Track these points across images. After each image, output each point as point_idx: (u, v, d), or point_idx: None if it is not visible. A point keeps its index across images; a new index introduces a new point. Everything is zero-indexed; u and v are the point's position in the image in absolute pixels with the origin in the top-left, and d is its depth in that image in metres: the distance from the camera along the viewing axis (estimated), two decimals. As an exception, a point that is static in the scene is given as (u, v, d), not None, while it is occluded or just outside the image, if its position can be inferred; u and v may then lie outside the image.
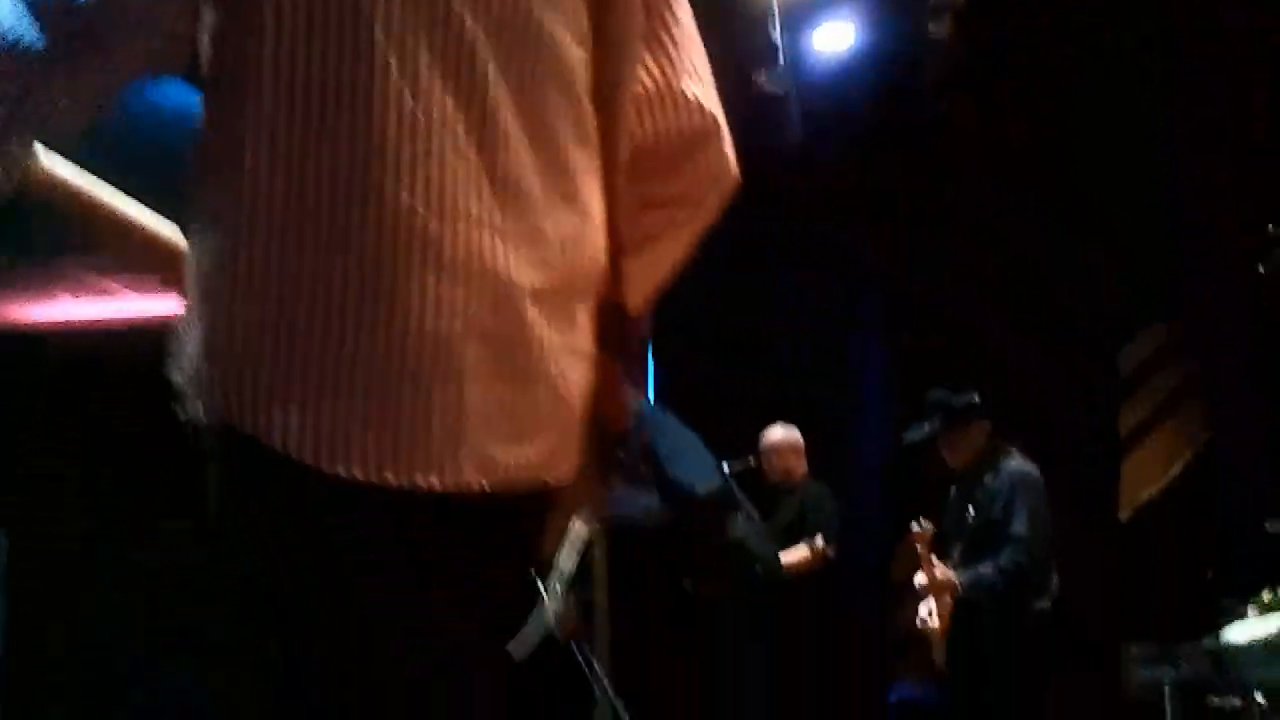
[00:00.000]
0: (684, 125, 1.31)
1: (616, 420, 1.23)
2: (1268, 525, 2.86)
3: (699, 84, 1.33)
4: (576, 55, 1.18)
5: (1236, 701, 3.43)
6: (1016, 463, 4.85)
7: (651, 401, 5.51)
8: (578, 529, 1.32)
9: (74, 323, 7.00)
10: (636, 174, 1.28)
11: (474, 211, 1.07)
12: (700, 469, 3.58)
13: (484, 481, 1.06)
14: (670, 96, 1.29)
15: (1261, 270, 3.51)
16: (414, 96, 1.06)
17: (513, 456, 1.09)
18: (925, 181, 7.49)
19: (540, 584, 1.26)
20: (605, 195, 1.22)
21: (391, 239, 1.04)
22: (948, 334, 7.32)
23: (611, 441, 1.23)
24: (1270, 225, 3.52)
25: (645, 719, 3.12)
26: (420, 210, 1.05)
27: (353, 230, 1.04)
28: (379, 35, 1.05)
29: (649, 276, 1.35)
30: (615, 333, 1.23)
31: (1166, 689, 3.68)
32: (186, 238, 1.18)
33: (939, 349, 7.02)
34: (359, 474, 1.03)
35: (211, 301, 1.09)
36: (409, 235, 1.05)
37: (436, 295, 1.05)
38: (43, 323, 7.17)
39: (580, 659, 2.92)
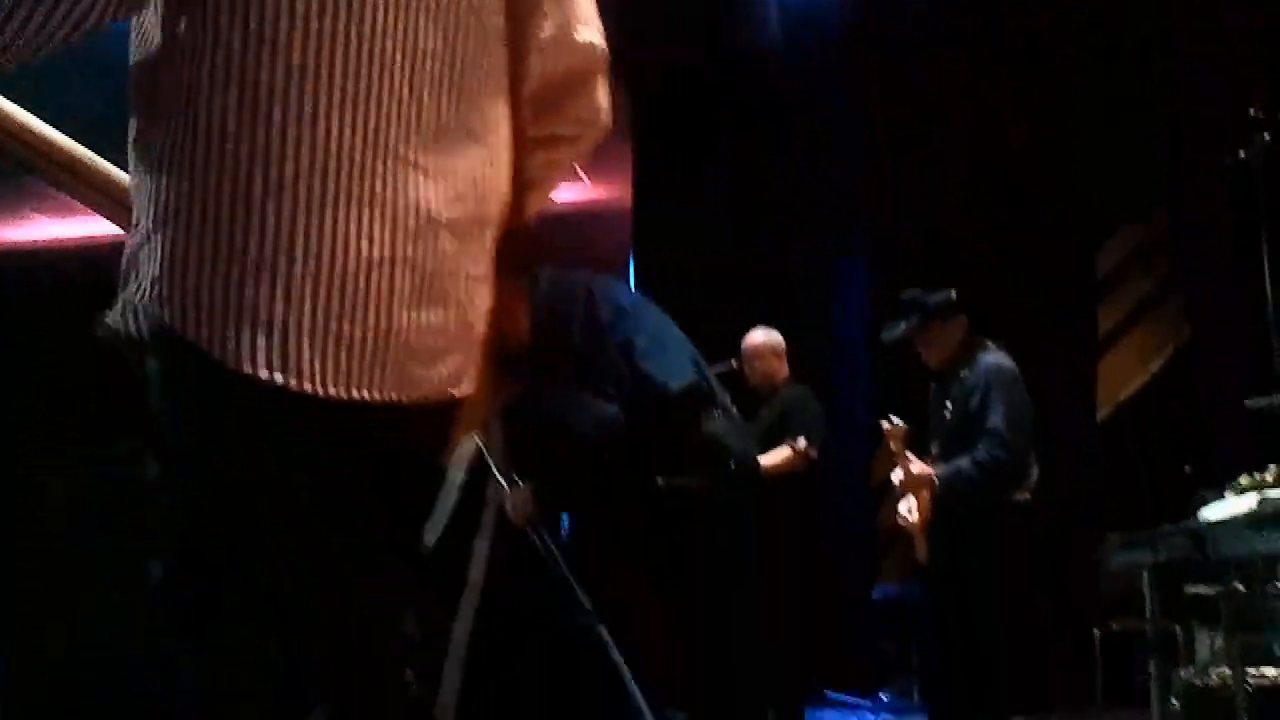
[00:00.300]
0: (574, 65, 1.46)
1: (515, 336, 1.38)
2: (1248, 402, 2.84)
3: (590, 28, 1.46)
4: (496, 7, 1.32)
5: (1212, 590, 3.48)
6: (992, 356, 4.84)
7: (634, 291, 5.49)
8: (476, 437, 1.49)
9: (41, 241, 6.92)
10: (533, 114, 1.42)
11: (402, 151, 1.20)
12: (678, 365, 3.56)
13: (407, 396, 1.23)
14: (566, 42, 1.44)
15: (1242, 156, 3.46)
16: (359, 40, 1.17)
17: (430, 375, 1.25)
18: (904, 82, 7.42)
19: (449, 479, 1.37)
20: (511, 136, 1.36)
21: (336, 174, 1.16)
22: (927, 235, 7.31)
23: (511, 356, 1.38)
24: (1251, 109, 3.47)
25: (620, 620, 3.13)
26: (359, 148, 1.17)
27: (301, 166, 1.15)
28: None
29: (537, 206, 1.51)
30: (515, 258, 1.38)
31: (1145, 574, 3.70)
32: (137, 166, 1.26)
33: (919, 250, 7.01)
34: (307, 387, 1.17)
35: (165, 226, 1.18)
36: (349, 171, 1.17)
37: (370, 228, 1.18)
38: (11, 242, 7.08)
39: (539, 543, 2.94)
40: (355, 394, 1.19)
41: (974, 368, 4.80)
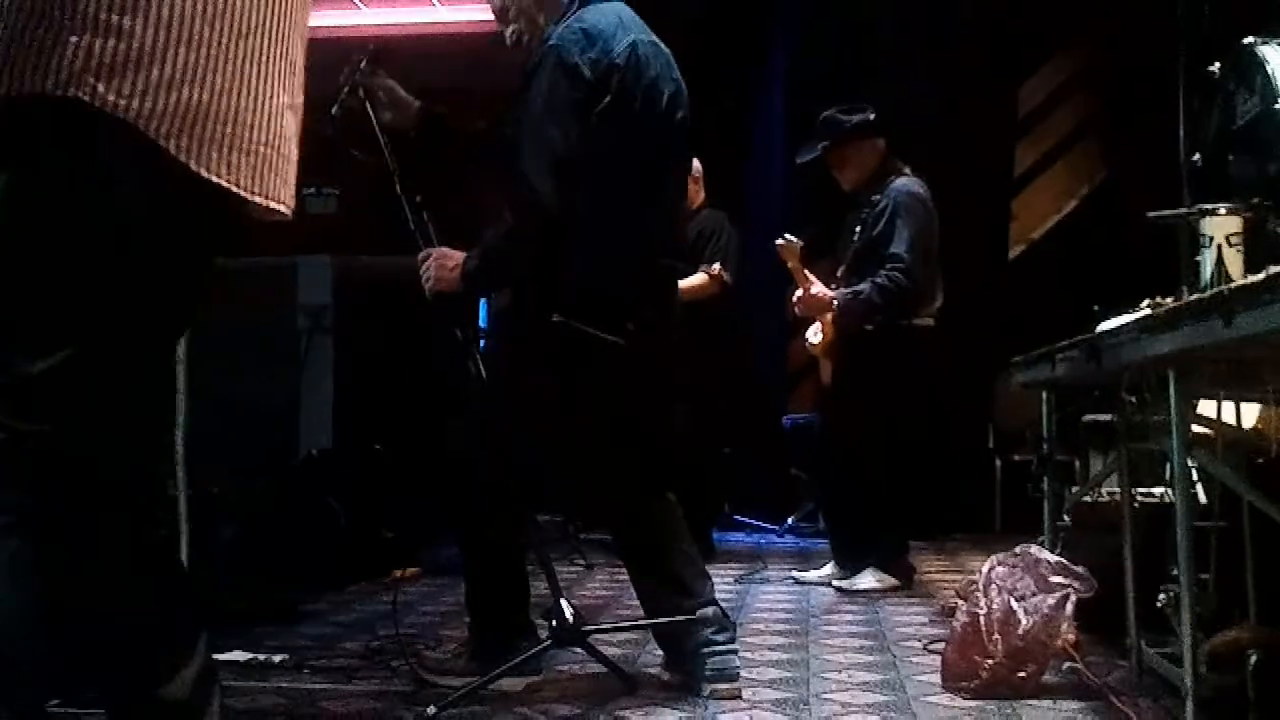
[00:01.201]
0: None
1: None
2: (1150, 215, 2.83)
3: None
4: None
5: (1108, 417, 3.53)
6: (904, 181, 4.81)
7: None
8: None
9: None
10: None
11: (283, 97, 1.73)
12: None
13: (290, 207, 1.77)
14: None
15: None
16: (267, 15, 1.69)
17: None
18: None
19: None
20: None
21: (258, 77, 1.67)
22: (848, 62, 7.19)
23: None
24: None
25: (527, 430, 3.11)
26: (274, 81, 1.70)
27: (239, 65, 1.64)
28: None
29: None
30: None
31: (1043, 395, 3.75)
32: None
33: (839, 77, 6.90)
34: (234, 187, 1.64)
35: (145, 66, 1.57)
36: (266, 81, 1.68)
37: (276, 101, 1.71)
38: None
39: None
40: (272, 202, 1.73)
41: (885, 191, 4.77)
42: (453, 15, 7.74)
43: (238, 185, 1.63)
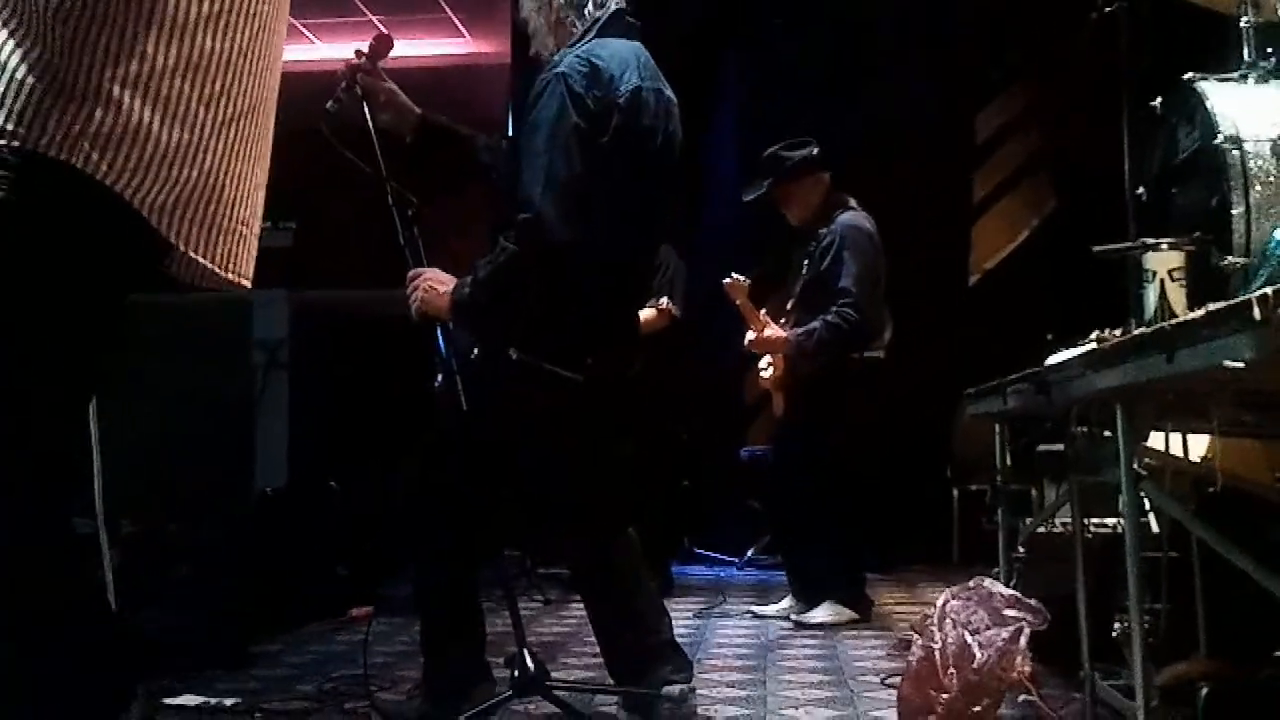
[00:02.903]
0: None
1: None
2: (1095, 250, 2.86)
3: None
4: None
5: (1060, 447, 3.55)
6: (849, 215, 4.85)
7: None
8: None
9: None
10: None
11: (259, 177, 1.82)
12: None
13: (250, 280, 1.82)
14: None
15: (1093, 18, 3.42)
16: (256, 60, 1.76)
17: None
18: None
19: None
20: None
21: (243, 159, 1.74)
22: (800, 97, 7.26)
23: None
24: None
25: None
26: (254, 162, 1.77)
27: (229, 146, 1.71)
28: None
29: None
30: None
31: (996, 426, 3.77)
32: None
33: (790, 111, 6.96)
34: (212, 265, 1.73)
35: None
36: (249, 162, 1.75)
37: (254, 180, 1.79)
38: None
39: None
40: (229, 274, 1.78)
41: (831, 226, 4.81)
42: (413, 50, 7.79)
43: (214, 263, 1.71)
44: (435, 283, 2.89)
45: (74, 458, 2.02)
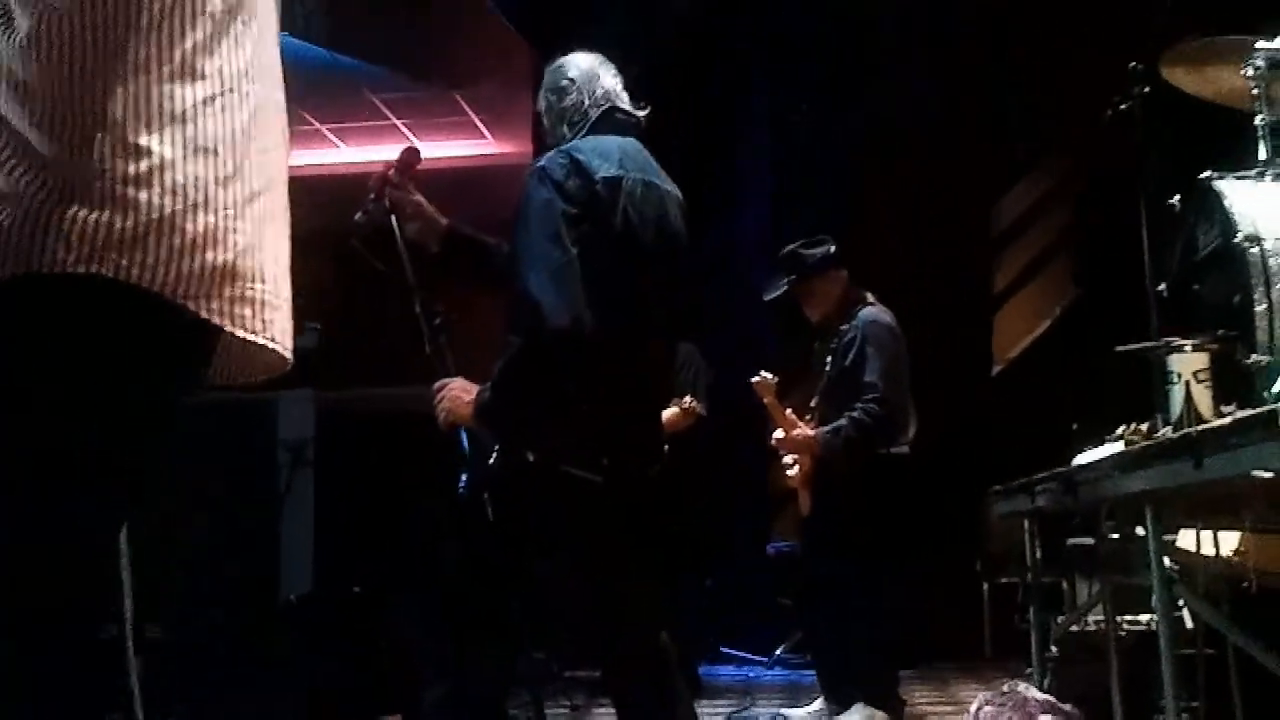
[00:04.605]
0: None
1: None
2: (1118, 349, 2.86)
3: None
4: None
5: (1092, 541, 3.53)
6: (870, 310, 4.85)
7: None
8: None
9: None
10: None
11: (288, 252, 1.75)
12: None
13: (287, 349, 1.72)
14: None
15: (1110, 114, 3.47)
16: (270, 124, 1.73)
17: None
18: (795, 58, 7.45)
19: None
20: None
21: (272, 235, 1.68)
22: (827, 186, 7.33)
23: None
24: (1132, 63, 3.47)
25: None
26: (281, 238, 1.72)
27: (256, 223, 1.65)
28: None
29: None
30: None
31: (1025, 523, 3.75)
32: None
33: (817, 200, 7.02)
34: (272, 344, 1.66)
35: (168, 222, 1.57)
36: (278, 239, 1.70)
37: (285, 257, 1.73)
38: None
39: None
40: (266, 341, 1.67)
41: (852, 322, 4.82)
42: (437, 151, 7.91)
43: (273, 341, 1.66)
44: (461, 391, 2.88)
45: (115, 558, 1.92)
